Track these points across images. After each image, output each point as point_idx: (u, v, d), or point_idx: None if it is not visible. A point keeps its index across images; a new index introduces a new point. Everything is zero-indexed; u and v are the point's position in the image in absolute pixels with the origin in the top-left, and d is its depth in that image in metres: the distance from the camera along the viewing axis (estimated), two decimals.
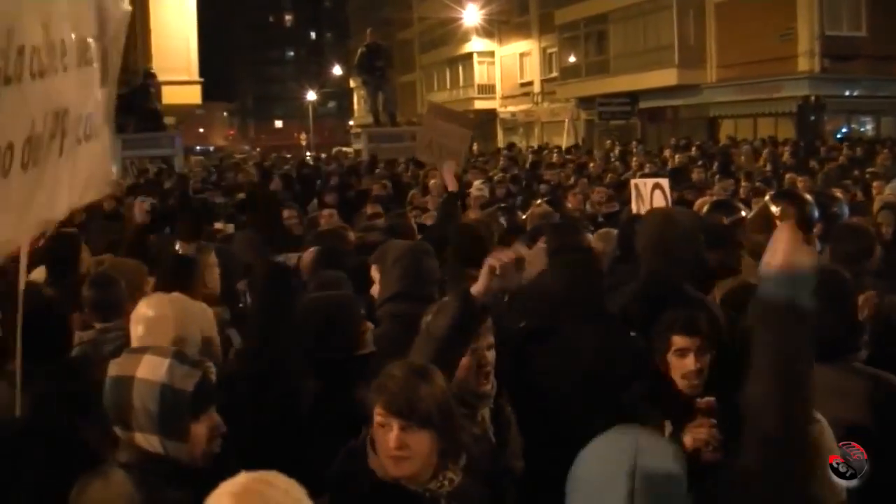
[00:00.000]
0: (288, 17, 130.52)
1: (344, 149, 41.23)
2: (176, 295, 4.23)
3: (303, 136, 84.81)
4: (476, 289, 3.69)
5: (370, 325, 4.47)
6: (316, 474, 2.63)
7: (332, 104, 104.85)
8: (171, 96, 30.76)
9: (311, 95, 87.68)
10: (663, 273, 5.12)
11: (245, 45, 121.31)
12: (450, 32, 59.29)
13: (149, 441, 3.03)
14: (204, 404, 3.11)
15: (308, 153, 58.71)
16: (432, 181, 13.74)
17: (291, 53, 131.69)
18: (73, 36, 3.07)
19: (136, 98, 26.38)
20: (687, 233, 5.36)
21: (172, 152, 24.78)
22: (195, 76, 33.82)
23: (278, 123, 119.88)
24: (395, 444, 3.11)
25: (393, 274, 5.02)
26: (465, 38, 58.18)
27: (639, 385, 4.39)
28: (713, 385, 4.25)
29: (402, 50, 64.15)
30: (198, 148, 61.26)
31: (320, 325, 4.16)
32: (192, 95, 34.28)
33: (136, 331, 3.94)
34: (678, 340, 4.32)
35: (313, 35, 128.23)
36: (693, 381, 4.26)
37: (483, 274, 3.69)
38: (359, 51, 28.91)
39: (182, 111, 36.78)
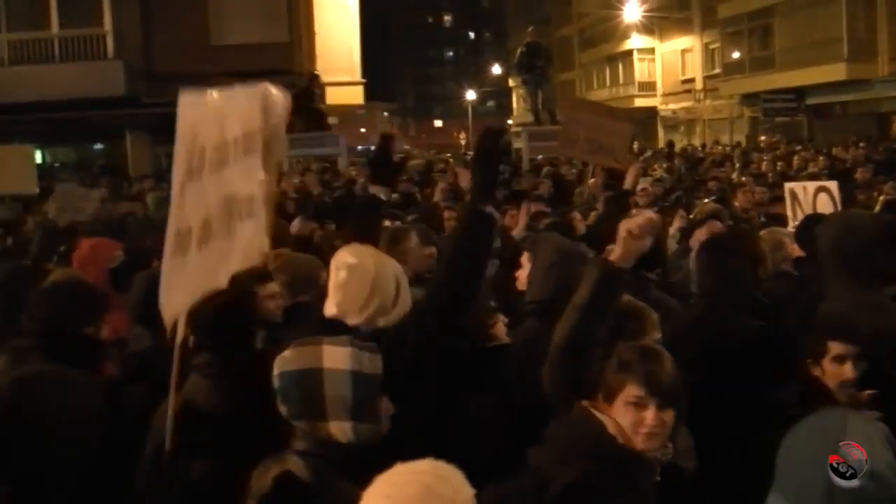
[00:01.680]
0: (447, 18, 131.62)
1: None
2: (371, 247, 4.35)
3: (462, 135, 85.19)
4: (614, 255, 3.68)
5: (502, 317, 4.47)
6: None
7: (490, 103, 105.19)
8: (334, 97, 31.45)
9: (471, 95, 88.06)
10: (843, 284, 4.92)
11: (405, 46, 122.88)
12: (609, 29, 58.77)
13: (341, 428, 3.14)
14: (383, 386, 3.23)
15: (467, 153, 58.97)
16: (591, 180, 13.62)
17: (451, 53, 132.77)
18: (241, 131, 3.48)
19: (301, 99, 27.09)
20: (869, 240, 5.14)
21: (336, 151, 25.28)
22: (357, 77, 34.43)
23: (438, 123, 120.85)
24: (653, 423, 3.27)
25: (548, 278, 4.96)
26: (624, 34, 57.60)
27: (790, 388, 4.28)
28: None
29: (560, 48, 63.89)
30: (359, 147, 62.05)
31: (444, 315, 4.09)
32: (355, 96, 34.92)
33: (338, 276, 4.01)
34: (835, 347, 4.16)
35: (472, 35, 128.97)
36: (851, 390, 4.07)
37: (620, 239, 3.67)
38: (518, 50, 28.96)
39: (344, 111, 37.50)
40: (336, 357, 3.17)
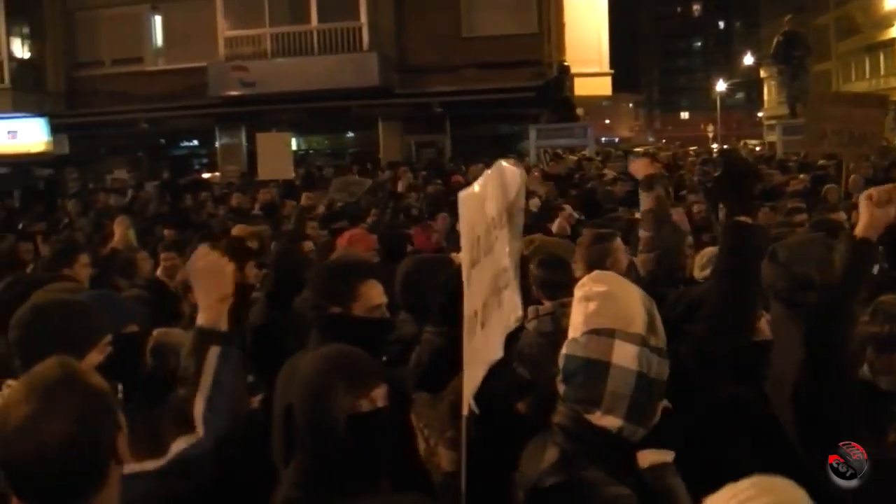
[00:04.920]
0: (696, 7, 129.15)
1: (750, 141, 40.11)
2: (612, 273, 4.28)
3: (709, 127, 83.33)
4: (859, 227, 3.65)
5: (765, 314, 4.34)
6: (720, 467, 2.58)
7: (740, 95, 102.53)
8: (582, 88, 31.32)
9: (720, 86, 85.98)
10: None
11: (652, 36, 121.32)
12: (870, 17, 56.13)
13: (609, 420, 3.10)
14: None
15: (714, 145, 57.73)
16: (851, 176, 13.01)
17: (699, 43, 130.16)
18: (495, 210, 3.69)
19: (549, 89, 27.15)
20: None
21: (584, 142, 25.22)
22: (606, 68, 34.18)
23: (684, 115, 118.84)
24: None
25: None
26: (887, 21, 54.89)
27: None
28: None
29: (816, 37, 61.32)
30: (603, 139, 61.83)
31: (716, 310, 4.07)
32: (603, 87, 34.69)
33: (587, 307, 3.94)
34: None
35: (721, 24, 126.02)
36: None
37: (861, 207, 3.62)
38: (775, 39, 28.10)
39: (590, 102, 37.33)
40: (625, 354, 3.13)
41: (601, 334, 3.20)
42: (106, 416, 2.46)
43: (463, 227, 3.52)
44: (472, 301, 3.46)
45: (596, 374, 3.12)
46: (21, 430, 2.33)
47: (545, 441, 3.22)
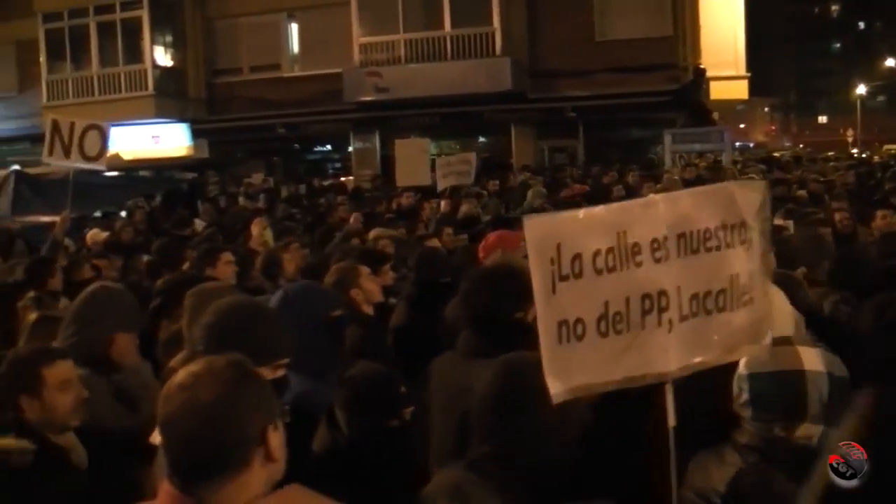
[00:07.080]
0: (834, 7, 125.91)
1: (893, 147, 38.91)
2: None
3: (849, 132, 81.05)
4: None
5: None
6: None
7: (881, 98, 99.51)
8: (717, 91, 30.77)
9: (861, 89, 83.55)
10: None
11: (789, 38, 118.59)
12: None
13: (811, 431, 3.05)
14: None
15: (854, 150, 56.23)
16: None
17: (838, 45, 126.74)
18: (677, 233, 3.23)
19: (685, 93, 26.75)
20: None
21: (721, 147, 24.74)
22: (742, 71, 33.44)
23: (822, 119, 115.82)
24: None
25: None
26: None
27: None
28: None
29: None
30: (737, 144, 60.64)
31: None
32: (739, 91, 33.96)
33: None
34: None
35: (861, 25, 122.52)
36: None
37: None
38: None
39: (725, 106, 36.62)
40: (812, 359, 3.09)
41: (779, 343, 3.12)
42: (261, 399, 2.54)
43: (538, 246, 3.02)
44: (560, 310, 3.03)
45: (792, 385, 3.06)
46: (181, 385, 2.49)
47: (720, 457, 3.16)
